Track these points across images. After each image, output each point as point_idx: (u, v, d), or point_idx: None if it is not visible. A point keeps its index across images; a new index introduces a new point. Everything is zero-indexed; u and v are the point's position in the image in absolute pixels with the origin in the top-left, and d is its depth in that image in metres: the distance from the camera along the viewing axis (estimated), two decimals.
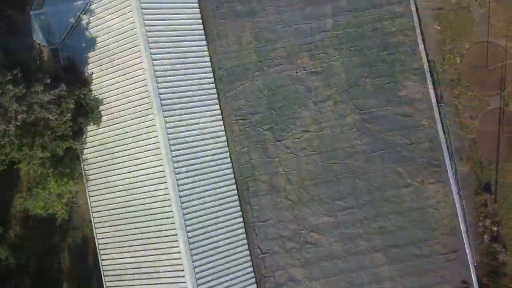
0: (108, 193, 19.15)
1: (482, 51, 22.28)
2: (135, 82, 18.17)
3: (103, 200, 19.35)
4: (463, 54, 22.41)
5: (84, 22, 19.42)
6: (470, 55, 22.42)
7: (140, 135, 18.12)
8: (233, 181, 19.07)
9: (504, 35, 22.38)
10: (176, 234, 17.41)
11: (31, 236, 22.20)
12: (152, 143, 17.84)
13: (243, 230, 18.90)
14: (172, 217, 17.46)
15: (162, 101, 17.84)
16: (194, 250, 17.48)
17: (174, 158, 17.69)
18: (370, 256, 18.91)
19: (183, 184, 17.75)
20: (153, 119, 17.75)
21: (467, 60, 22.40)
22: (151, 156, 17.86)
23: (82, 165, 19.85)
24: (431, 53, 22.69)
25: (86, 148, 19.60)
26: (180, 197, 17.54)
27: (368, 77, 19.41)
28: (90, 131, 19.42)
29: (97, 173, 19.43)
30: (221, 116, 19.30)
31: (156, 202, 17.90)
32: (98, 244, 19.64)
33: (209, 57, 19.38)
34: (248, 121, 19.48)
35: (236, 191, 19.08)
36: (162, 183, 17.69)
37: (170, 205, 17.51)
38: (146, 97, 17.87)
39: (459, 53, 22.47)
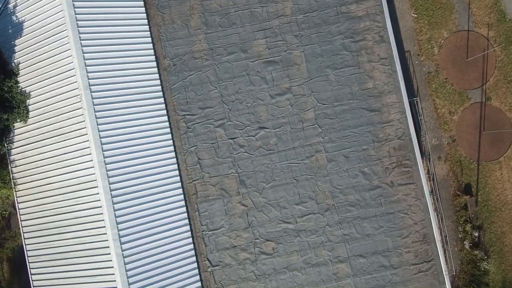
0: (38, 198, 17.23)
1: (461, 41, 21.43)
2: (63, 72, 16.22)
3: (33, 206, 17.44)
4: (441, 44, 21.58)
5: (11, 5, 17.40)
6: (449, 45, 21.52)
7: (69, 132, 16.22)
8: (179, 184, 17.33)
9: (485, 23, 21.43)
10: (108, 246, 15.52)
11: None
12: (82, 142, 15.98)
13: (190, 240, 17.18)
14: (104, 226, 15.58)
15: (93, 94, 15.91)
16: (129, 264, 15.62)
17: (106, 159, 15.81)
18: (334, 268, 17.43)
19: (117, 189, 15.87)
20: (82, 114, 15.89)
21: (445, 50, 21.53)
22: (80, 157, 16.00)
23: (10, 168, 17.92)
24: (407, 43, 21.95)
25: (14, 149, 17.66)
26: (113, 203, 15.66)
27: (331, 67, 17.81)
28: (18, 128, 17.48)
29: (26, 176, 17.49)
30: (165, 110, 17.52)
31: (87, 209, 16.04)
32: (28, 256, 17.73)
33: (152, 44, 17.58)
34: (196, 116, 17.77)
35: (182, 195, 17.35)
36: (92, 187, 15.85)
37: (102, 213, 15.65)
38: (75, 89, 15.98)
39: (437, 43, 21.66)
